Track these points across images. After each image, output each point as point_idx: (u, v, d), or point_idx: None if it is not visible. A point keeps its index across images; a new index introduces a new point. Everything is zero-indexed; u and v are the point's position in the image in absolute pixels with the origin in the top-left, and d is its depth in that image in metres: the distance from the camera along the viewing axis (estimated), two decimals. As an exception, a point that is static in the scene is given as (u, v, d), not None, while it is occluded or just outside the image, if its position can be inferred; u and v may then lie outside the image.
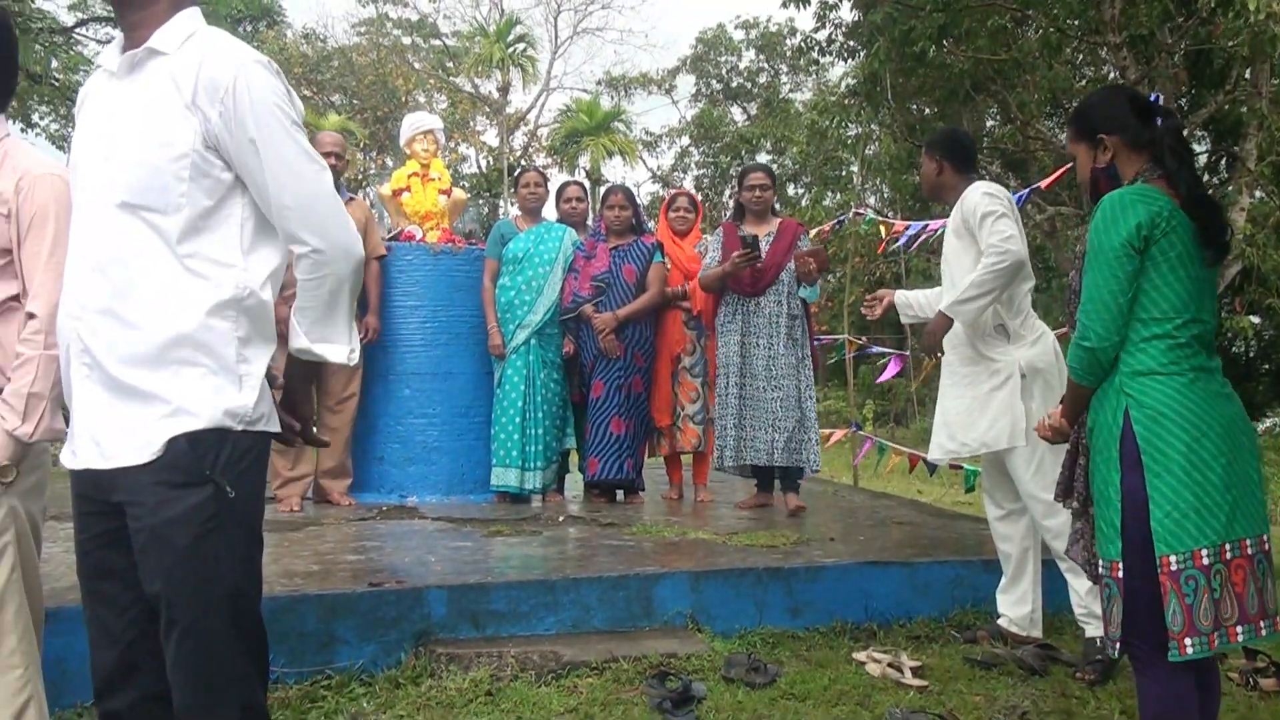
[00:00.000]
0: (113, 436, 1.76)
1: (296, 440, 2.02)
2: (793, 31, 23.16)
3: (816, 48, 13.99)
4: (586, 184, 7.66)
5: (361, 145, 23.54)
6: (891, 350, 8.74)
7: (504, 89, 27.47)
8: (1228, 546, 2.17)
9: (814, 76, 24.80)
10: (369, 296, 5.57)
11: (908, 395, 17.96)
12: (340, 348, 1.91)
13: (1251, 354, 15.55)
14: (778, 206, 5.79)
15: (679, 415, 5.71)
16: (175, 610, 1.74)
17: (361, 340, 5.49)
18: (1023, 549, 3.76)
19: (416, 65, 27.25)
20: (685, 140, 28.31)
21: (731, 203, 9.23)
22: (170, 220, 1.75)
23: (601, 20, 57.69)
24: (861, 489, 7.54)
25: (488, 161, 27.93)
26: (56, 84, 15.61)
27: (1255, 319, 12.78)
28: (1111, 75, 11.11)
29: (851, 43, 13.06)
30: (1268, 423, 14.76)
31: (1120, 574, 2.23)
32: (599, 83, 29.97)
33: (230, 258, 1.80)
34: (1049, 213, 11.77)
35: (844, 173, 19.07)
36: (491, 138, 28.15)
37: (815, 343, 5.70)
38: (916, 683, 3.26)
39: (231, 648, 1.79)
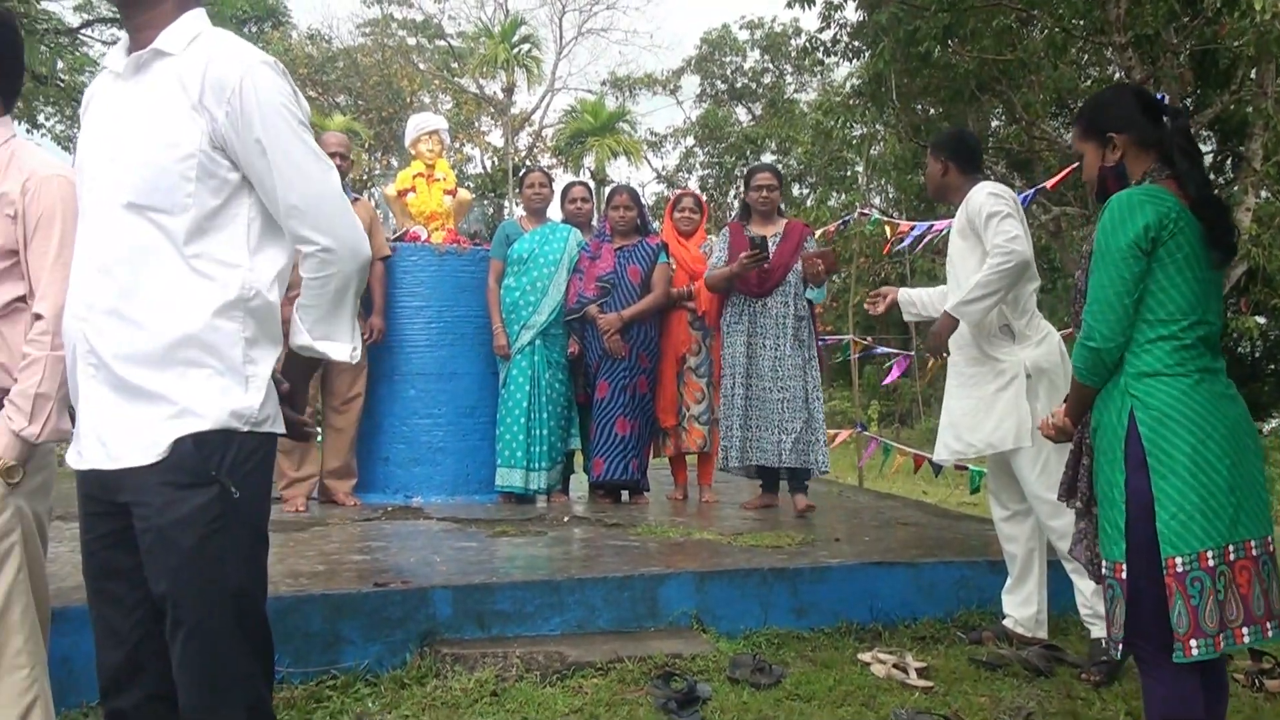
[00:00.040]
0: (119, 437, 1.76)
1: (311, 434, 2.02)
2: (797, 32, 23.22)
3: (821, 48, 14.02)
4: (591, 184, 7.65)
5: (366, 146, 23.56)
6: (897, 350, 8.74)
7: (509, 89, 27.49)
8: (1231, 548, 2.17)
9: (819, 77, 24.80)
10: (374, 297, 5.57)
11: (913, 396, 17.95)
12: (343, 346, 1.91)
13: (1257, 354, 15.52)
14: (783, 207, 5.79)
15: (684, 416, 5.71)
16: (181, 610, 1.74)
17: (367, 341, 5.51)
18: (1028, 550, 3.75)
19: (421, 66, 27.28)
20: (690, 141, 28.34)
21: (737, 203, 9.23)
22: (177, 221, 1.75)
23: (606, 21, 57.79)
24: (866, 490, 7.54)
25: (493, 162, 27.96)
26: (62, 85, 15.65)
27: (1261, 319, 12.77)
28: (1117, 75, 11.10)
29: (856, 43, 13.07)
30: (1273, 423, 14.72)
31: (1123, 575, 2.23)
32: (604, 83, 30.04)
33: (237, 258, 1.80)
34: (1054, 213, 11.76)
35: (849, 173, 19.09)
36: (496, 138, 28.20)
37: (820, 343, 5.70)
38: (921, 684, 3.25)
39: (237, 648, 1.79)
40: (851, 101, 13.88)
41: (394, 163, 23.52)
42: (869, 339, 9.73)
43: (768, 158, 23.61)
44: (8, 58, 2.32)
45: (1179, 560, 2.15)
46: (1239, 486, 2.19)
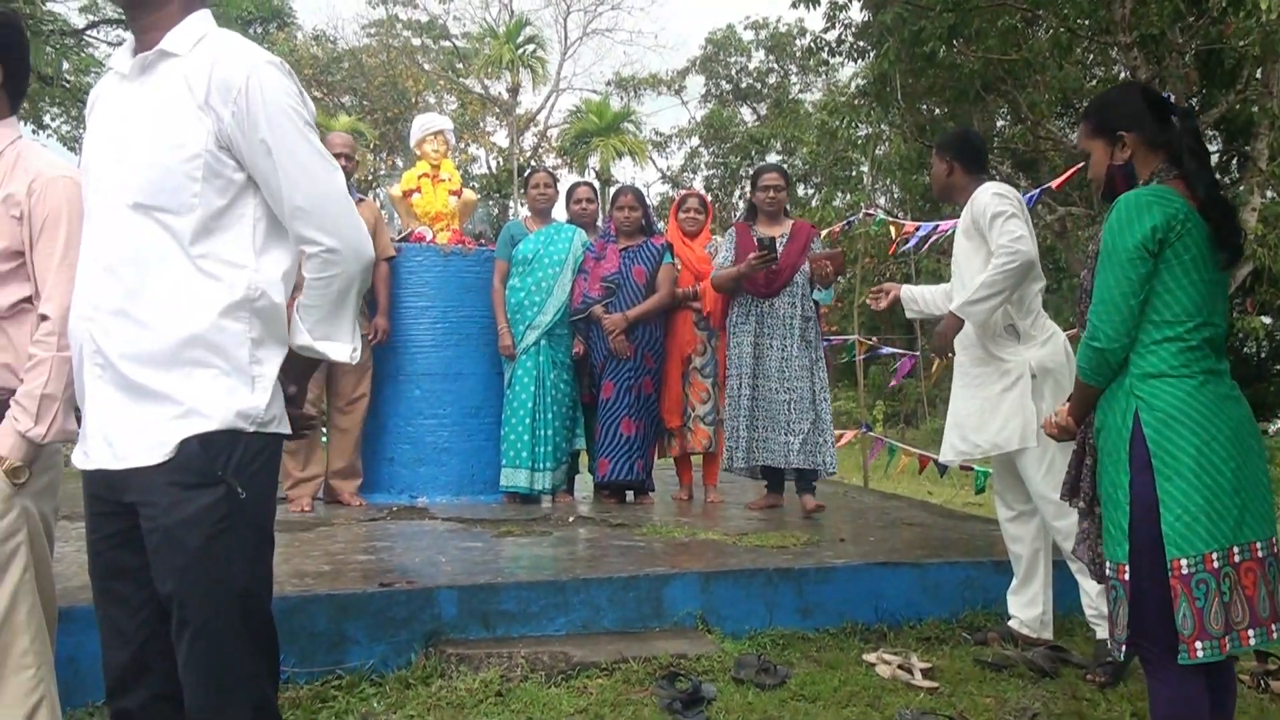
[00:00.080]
0: (125, 437, 1.76)
1: (317, 425, 2.02)
2: (802, 32, 23.19)
3: (826, 48, 13.99)
4: (596, 185, 7.66)
5: (372, 146, 23.59)
6: (902, 351, 8.73)
7: (514, 90, 27.51)
8: (1236, 550, 2.16)
9: (824, 77, 24.82)
10: (379, 298, 5.58)
11: (918, 396, 17.94)
12: (343, 346, 1.90)
13: (1263, 355, 15.46)
14: (789, 207, 5.79)
15: (689, 416, 5.71)
16: (187, 610, 1.74)
17: (371, 341, 5.52)
18: (1034, 550, 3.75)
19: (426, 66, 27.30)
20: (695, 141, 28.34)
21: (742, 203, 9.22)
22: (183, 221, 1.76)
23: (611, 21, 57.57)
24: (872, 490, 7.53)
25: (497, 162, 27.96)
26: (68, 86, 15.69)
27: (1266, 319, 12.72)
28: (1122, 75, 11.08)
29: (861, 43, 13.05)
30: (1279, 423, 14.67)
31: (1126, 576, 2.22)
32: (609, 83, 30.06)
33: (243, 258, 1.80)
34: (1059, 213, 11.74)
35: (854, 173, 19.08)
36: (501, 139, 28.23)
37: (825, 344, 5.70)
38: (927, 684, 3.25)
39: (242, 647, 1.79)
40: (856, 101, 13.88)
41: (399, 163, 23.56)
42: (874, 339, 9.72)
43: (772, 158, 23.61)
44: (13, 59, 2.32)
45: (1184, 562, 2.15)
46: (1244, 488, 2.19)
